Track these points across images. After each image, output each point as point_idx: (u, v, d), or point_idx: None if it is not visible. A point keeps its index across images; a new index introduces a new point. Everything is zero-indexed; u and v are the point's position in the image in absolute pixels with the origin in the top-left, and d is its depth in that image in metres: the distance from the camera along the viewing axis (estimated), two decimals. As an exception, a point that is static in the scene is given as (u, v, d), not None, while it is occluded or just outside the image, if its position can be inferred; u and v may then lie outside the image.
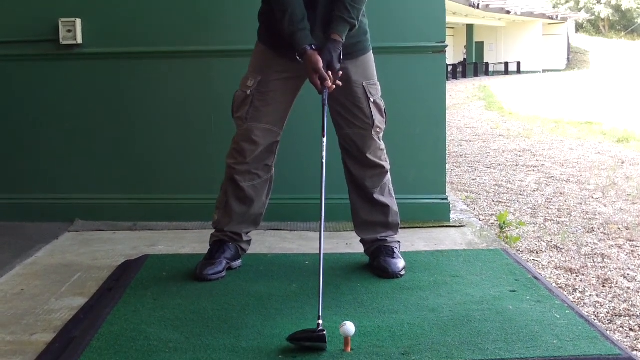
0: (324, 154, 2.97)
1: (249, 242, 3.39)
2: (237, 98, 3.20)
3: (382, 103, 3.26)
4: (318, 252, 2.72)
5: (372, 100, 3.21)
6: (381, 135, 3.29)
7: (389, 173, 3.34)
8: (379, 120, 3.24)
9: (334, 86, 3.02)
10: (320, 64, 2.96)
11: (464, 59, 45.55)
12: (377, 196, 3.32)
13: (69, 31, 4.37)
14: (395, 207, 3.38)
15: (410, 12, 4.32)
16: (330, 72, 2.98)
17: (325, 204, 2.87)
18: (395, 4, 4.30)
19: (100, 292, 3.06)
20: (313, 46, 2.99)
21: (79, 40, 4.38)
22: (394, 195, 3.39)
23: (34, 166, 4.52)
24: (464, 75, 40.49)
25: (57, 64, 4.47)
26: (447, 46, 4.41)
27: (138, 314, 2.75)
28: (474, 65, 43.77)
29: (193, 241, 3.92)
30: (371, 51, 3.29)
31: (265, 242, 3.87)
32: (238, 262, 3.33)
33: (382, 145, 3.31)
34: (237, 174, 3.21)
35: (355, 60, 3.19)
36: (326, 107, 3.04)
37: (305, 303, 2.82)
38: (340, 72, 3.04)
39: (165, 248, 3.84)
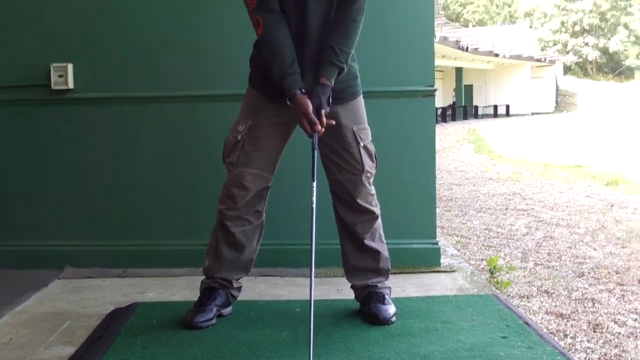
0: (314, 198, 2.98)
1: (239, 288, 3.37)
2: (228, 143, 3.21)
3: (372, 148, 3.27)
4: (309, 298, 2.72)
5: (362, 144, 3.22)
6: (371, 180, 3.29)
7: (379, 218, 3.34)
8: (369, 165, 3.24)
9: (324, 130, 3.04)
10: (310, 108, 2.98)
11: (454, 102, 45.84)
12: (367, 242, 3.31)
13: (61, 76, 4.39)
14: (385, 252, 3.37)
15: (399, 57, 4.36)
16: (319, 116, 3.01)
17: (315, 250, 2.87)
18: (385, 48, 4.33)
19: (89, 340, 3.03)
20: (302, 90, 3.01)
21: (70, 85, 4.40)
22: (384, 241, 3.39)
23: (23, 212, 4.51)
24: (454, 118, 40.75)
25: (48, 109, 4.48)
26: (436, 90, 4.44)
27: (127, 363, 2.73)
28: (464, 108, 44.06)
29: (183, 288, 3.90)
30: (361, 96, 3.30)
31: (255, 288, 3.85)
32: (228, 309, 3.31)
33: (373, 191, 3.32)
34: (227, 220, 3.21)
35: (345, 104, 3.20)
36: (316, 152, 3.05)
37: (296, 351, 2.80)
38: (333, 122, 3.06)
39: (155, 295, 3.82)
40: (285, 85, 3.00)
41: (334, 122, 3.06)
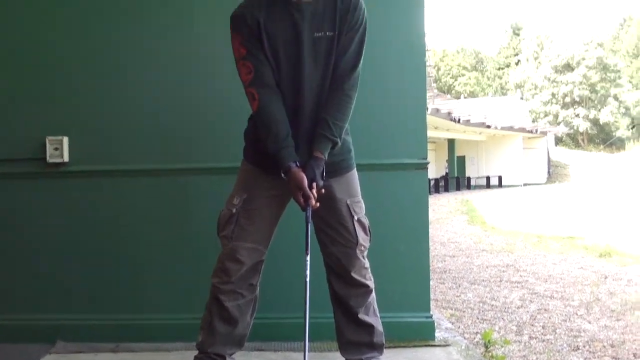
0: (308, 272, 2.99)
1: (232, 364, 3.35)
2: (223, 216, 3.23)
3: (366, 221, 3.29)
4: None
5: (356, 218, 3.24)
6: (365, 253, 3.30)
7: (373, 292, 3.34)
8: (363, 238, 3.26)
9: (317, 204, 3.06)
10: (305, 181, 3.00)
11: (446, 172, 46.07)
12: (361, 316, 3.31)
13: (56, 149, 4.42)
14: (380, 326, 3.36)
15: (393, 130, 4.40)
16: (313, 190, 3.03)
17: (309, 324, 2.87)
18: (378, 122, 4.37)
19: (80, 417, 3.00)
20: (297, 163, 3.05)
21: (66, 158, 4.43)
22: (378, 315, 3.39)
23: (15, 285, 4.48)
24: (446, 189, 40.87)
25: (43, 182, 4.50)
26: (429, 163, 4.47)
27: None
28: (456, 179, 44.25)
29: (176, 362, 3.87)
30: (355, 169, 3.34)
31: (249, 363, 3.82)
32: (221, 385, 3.29)
33: (367, 264, 3.32)
34: (221, 294, 3.20)
35: (339, 177, 3.23)
36: (309, 225, 3.07)
37: None
38: (323, 190, 3.08)
39: (147, 370, 3.78)
40: (280, 158, 3.04)
41: (323, 191, 3.08)
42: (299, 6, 3.09)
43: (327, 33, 3.09)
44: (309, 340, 2.86)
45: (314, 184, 3.03)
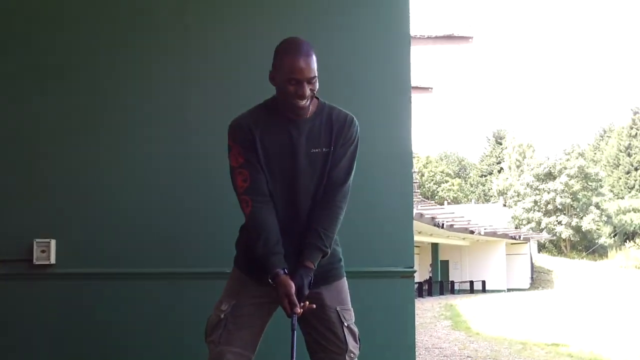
0: (294, 381, 2.98)
1: None
2: (211, 322, 3.23)
3: (355, 329, 3.29)
4: None
5: (346, 324, 3.25)
6: (354, 361, 3.30)
7: (362, 400, 3.32)
8: (352, 345, 3.26)
9: (302, 312, 3.07)
10: (293, 289, 3.03)
11: (430, 277, 45.90)
12: None
13: (43, 251, 4.43)
14: None
15: (379, 238, 4.46)
16: (300, 299, 3.05)
17: None
18: (365, 230, 4.42)
19: None
20: (285, 271, 3.07)
21: (52, 260, 4.43)
22: None
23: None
24: (430, 294, 40.62)
25: (30, 284, 4.49)
26: (415, 271, 4.51)
27: None
28: (440, 284, 44.06)
29: None
30: (345, 278, 3.37)
31: None
32: None
33: (356, 371, 3.31)
34: (207, 399, 3.18)
35: (329, 285, 3.26)
36: (295, 332, 3.08)
37: None
38: (314, 306, 3.10)
39: None
40: (269, 264, 3.07)
41: (314, 306, 3.11)
42: (296, 122, 3.18)
43: (324, 149, 3.18)
44: None
45: (302, 294, 3.06)
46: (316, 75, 3.10)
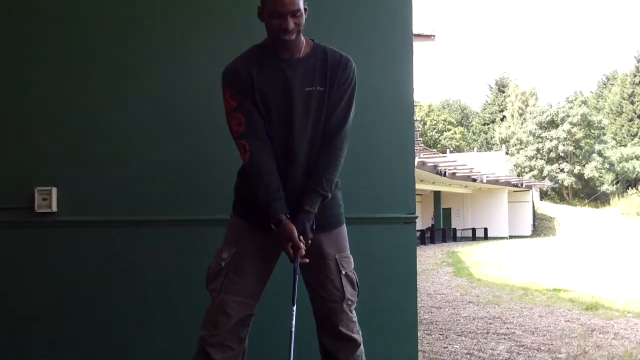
0: (294, 322, 3.00)
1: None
2: (212, 270, 3.23)
3: (354, 276, 3.30)
4: None
5: (343, 272, 3.25)
6: (353, 307, 3.31)
7: (361, 345, 3.33)
8: (350, 292, 3.26)
9: (307, 260, 3.08)
10: (295, 233, 3.03)
11: (432, 224, 46.11)
12: (350, 369, 3.30)
13: (44, 199, 4.43)
14: (367, 379, 3.35)
15: (381, 184, 4.45)
16: (302, 242, 3.05)
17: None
18: (367, 176, 4.43)
19: None
20: (287, 215, 3.07)
21: (54, 208, 4.44)
22: (366, 368, 3.37)
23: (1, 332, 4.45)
24: (432, 241, 40.86)
25: (31, 232, 4.50)
26: (417, 217, 4.52)
27: None
28: (442, 231, 44.28)
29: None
30: (344, 225, 3.36)
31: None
32: None
33: (355, 318, 3.32)
34: (209, 346, 3.18)
35: (328, 232, 3.26)
36: (297, 276, 3.08)
37: None
38: (309, 242, 3.10)
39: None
40: (271, 210, 3.06)
41: (309, 242, 3.09)
42: (290, 62, 3.17)
43: (318, 88, 3.16)
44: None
45: (305, 237, 3.06)
46: (301, 9, 3.10)
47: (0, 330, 4.46)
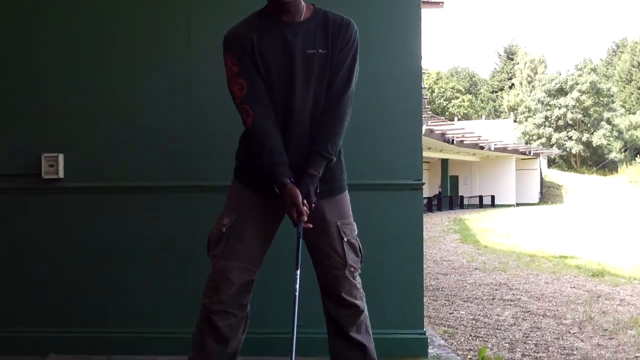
0: (297, 286, 3.00)
1: (224, 380, 3.34)
2: (213, 236, 3.23)
3: (357, 242, 3.28)
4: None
5: (345, 240, 3.23)
6: (357, 274, 3.29)
7: (365, 311, 3.33)
8: (352, 259, 3.25)
9: (310, 225, 3.07)
10: (299, 197, 3.01)
11: (439, 192, 46.11)
12: (353, 334, 3.30)
13: (51, 166, 4.44)
14: (371, 345, 3.35)
15: (389, 151, 4.44)
16: (306, 207, 3.04)
17: (300, 339, 2.88)
18: (374, 143, 4.41)
19: None
20: (291, 179, 3.06)
21: (61, 174, 4.45)
22: (371, 333, 3.37)
23: (8, 297, 4.49)
24: (439, 208, 40.90)
25: (38, 198, 4.52)
26: (424, 184, 4.51)
27: None
28: (449, 199, 44.30)
29: (168, 376, 3.86)
30: (347, 191, 3.35)
31: (241, 377, 3.80)
32: (212, 402, 3.27)
33: (359, 284, 3.31)
34: (212, 314, 3.19)
35: (330, 199, 3.24)
36: (300, 240, 3.08)
37: None
38: (312, 205, 3.10)
39: (140, 383, 3.77)
40: (275, 174, 3.05)
41: (313, 206, 3.09)
42: (291, 25, 3.14)
43: (320, 50, 3.13)
44: (297, 355, 2.86)
45: (309, 201, 3.05)
46: None
47: (11, 294, 4.49)
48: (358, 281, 3.31)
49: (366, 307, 3.35)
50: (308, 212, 3.04)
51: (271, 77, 3.12)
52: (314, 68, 3.12)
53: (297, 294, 2.99)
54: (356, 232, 3.30)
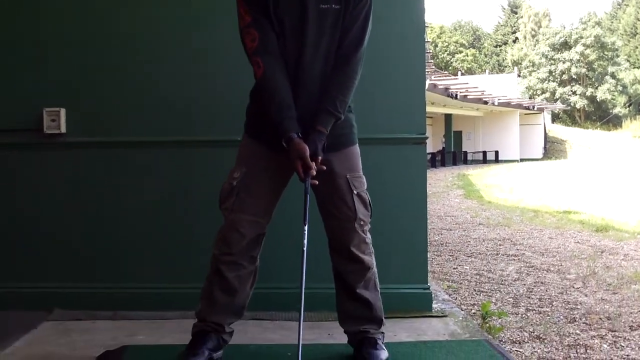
0: (305, 242, 2.99)
1: (231, 333, 3.34)
2: (224, 190, 3.22)
3: (366, 196, 3.27)
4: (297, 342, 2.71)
5: (355, 192, 3.22)
6: (366, 228, 3.28)
7: (373, 267, 3.33)
8: (362, 213, 3.24)
9: (316, 182, 3.06)
10: (307, 152, 2.99)
11: (443, 147, 46.07)
12: (360, 291, 3.30)
13: (53, 120, 4.40)
14: (379, 302, 3.36)
15: (392, 105, 4.40)
16: (313, 162, 3.02)
17: (306, 294, 2.87)
18: (377, 96, 4.37)
19: (79, 384, 3.00)
20: (299, 134, 3.03)
21: (63, 129, 4.41)
22: (379, 289, 3.37)
23: (11, 253, 4.48)
24: (443, 164, 40.94)
25: (40, 153, 4.49)
26: (427, 138, 4.47)
27: (117, 406, 2.70)
28: (453, 154, 44.30)
29: (173, 331, 3.87)
30: (357, 145, 3.32)
31: (247, 332, 3.82)
32: (219, 353, 3.28)
33: (368, 239, 3.31)
34: (222, 265, 3.20)
35: (339, 152, 3.22)
36: (308, 196, 3.06)
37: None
38: (324, 168, 3.07)
39: (145, 338, 3.79)
40: (283, 128, 3.02)
41: (324, 168, 3.08)
42: None
43: (334, 6, 3.08)
44: (306, 310, 2.86)
45: (316, 157, 3.03)
46: None
47: (15, 250, 4.49)
48: (368, 236, 3.30)
49: (375, 264, 3.34)
50: (315, 168, 3.02)
51: (284, 30, 3.08)
52: (326, 23, 3.07)
53: (305, 249, 2.98)
54: (366, 186, 3.29)
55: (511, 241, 9.70)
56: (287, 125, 3.02)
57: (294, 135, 3.01)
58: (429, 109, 35.38)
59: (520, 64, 77.54)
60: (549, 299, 5.99)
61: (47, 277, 4.45)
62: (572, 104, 72.57)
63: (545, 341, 4.64)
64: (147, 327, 4.03)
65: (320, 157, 3.04)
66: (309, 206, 3.07)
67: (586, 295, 6.14)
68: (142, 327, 4.02)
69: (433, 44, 79.62)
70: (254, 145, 3.24)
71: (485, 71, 77.79)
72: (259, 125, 3.21)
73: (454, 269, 7.42)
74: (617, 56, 73.68)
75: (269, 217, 3.25)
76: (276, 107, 3.04)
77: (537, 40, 78.64)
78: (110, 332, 3.90)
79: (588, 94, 72.02)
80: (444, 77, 40.50)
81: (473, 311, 5.39)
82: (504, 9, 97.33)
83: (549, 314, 5.44)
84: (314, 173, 3.02)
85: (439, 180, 25.70)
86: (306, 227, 3.01)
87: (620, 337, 4.77)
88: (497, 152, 48.44)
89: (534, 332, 4.86)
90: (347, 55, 3.11)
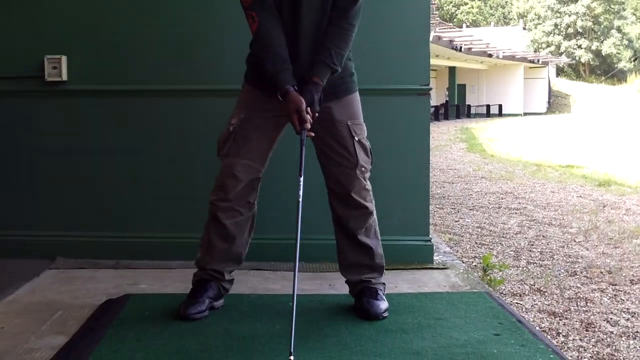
0: (301, 192, 2.99)
1: (231, 281, 3.37)
2: (222, 136, 3.24)
3: (367, 143, 3.27)
4: (301, 292, 2.71)
5: (356, 139, 3.22)
6: (367, 175, 3.29)
7: (374, 214, 3.34)
8: (363, 159, 3.24)
9: (312, 134, 3.05)
10: (303, 104, 2.99)
11: (446, 100, 45.87)
12: (361, 237, 3.31)
13: (55, 68, 4.37)
14: (380, 249, 3.37)
15: (395, 55, 4.36)
16: (309, 114, 3.01)
17: (307, 244, 2.88)
18: (381, 47, 4.33)
19: (81, 331, 3.02)
20: (295, 87, 3.02)
21: (64, 77, 4.38)
22: (379, 237, 3.39)
23: (14, 202, 4.49)
24: (446, 117, 40.82)
25: (41, 101, 4.46)
26: (431, 89, 4.45)
27: (120, 354, 2.72)
28: (456, 107, 44.14)
29: (176, 280, 3.90)
30: (357, 92, 3.31)
31: (248, 282, 3.84)
32: (220, 302, 3.32)
33: (368, 186, 3.31)
34: (219, 211, 3.21)
35: (339, 100, 3.22)
36: (304, 147, 3.05)
37: (288, 344, 2.79)
38: (317, 114, 3.06)
39: (147, 287, 3.81)
40: (278, 81, 3.02)
41: (317, 115, 3.07)
42: None
43: None
44: (302, 260, 2.87)
45: (312, 110, 3.02)
46: None
47: (17, 199, 4.49)
48: (368, 184, 3.31)
49: (375, 211, 3.35)
50: (311, 120, 3.01)
51: None
52: None
53: (300, 200, 2.98)
54: (366, 134, 3.28)
55: (513, 195, 9.70)
56: (282, 77, 3.02)
57: (290, 88, 3.01)
58: (433, 61, 35.13)
59: (526, 16, 76.77)
60: (550, 252, 6.01)
61: (49, 225, 4.46)
62: (577, 58, 72.06)
63: (546, 294, 4.66)
64: (149, 276, 4.05)
65: (317, 110, 3.03)
66: (305, 157, 3.06)
67: (587, 249, 6.16)
68: (145, 276, 4.04)
69: (438, -4, 78.77)
70: (253, 92, 3.25)
71: (490, 24, 77.00)
72: (258, 74, 3.19)
73: (456, 221, 7.44)
74: (624, 10, 72.88)
75: (264, 162, 3.26)
76: (271, 60, 3.04)
77: (543, -7, 77.75)
78: (112, 281, 3.92)
79: (593, 47, 71.44)
80: (449, 29, 40.18)
81: (474, 264, 5.41)
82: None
83: (550, 267, 5.46)
84: (309, 126, 3.01)
85: (442, 134, 25.64)
86: (301, 179, 3.01)
87: (621, 290, 4.79)
88: (500, 106, 48.22)
89: (534, 285, 4.88)
90: (344, 8, 3.10)
